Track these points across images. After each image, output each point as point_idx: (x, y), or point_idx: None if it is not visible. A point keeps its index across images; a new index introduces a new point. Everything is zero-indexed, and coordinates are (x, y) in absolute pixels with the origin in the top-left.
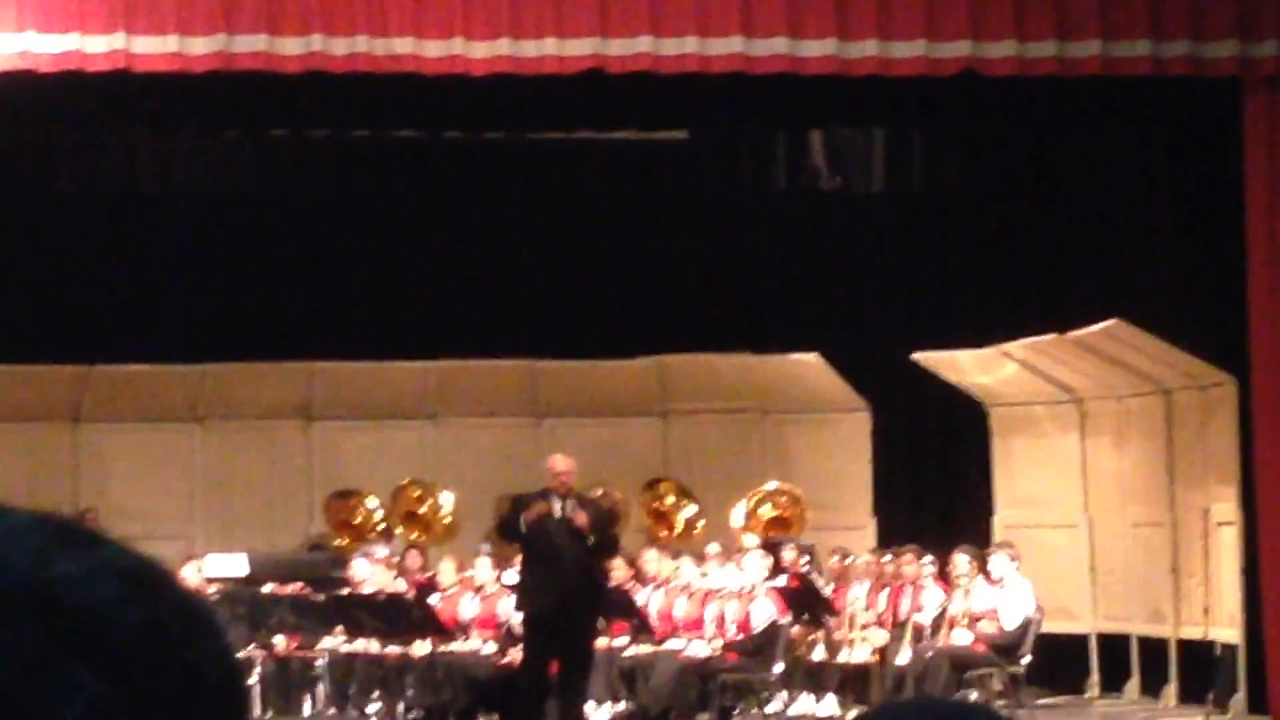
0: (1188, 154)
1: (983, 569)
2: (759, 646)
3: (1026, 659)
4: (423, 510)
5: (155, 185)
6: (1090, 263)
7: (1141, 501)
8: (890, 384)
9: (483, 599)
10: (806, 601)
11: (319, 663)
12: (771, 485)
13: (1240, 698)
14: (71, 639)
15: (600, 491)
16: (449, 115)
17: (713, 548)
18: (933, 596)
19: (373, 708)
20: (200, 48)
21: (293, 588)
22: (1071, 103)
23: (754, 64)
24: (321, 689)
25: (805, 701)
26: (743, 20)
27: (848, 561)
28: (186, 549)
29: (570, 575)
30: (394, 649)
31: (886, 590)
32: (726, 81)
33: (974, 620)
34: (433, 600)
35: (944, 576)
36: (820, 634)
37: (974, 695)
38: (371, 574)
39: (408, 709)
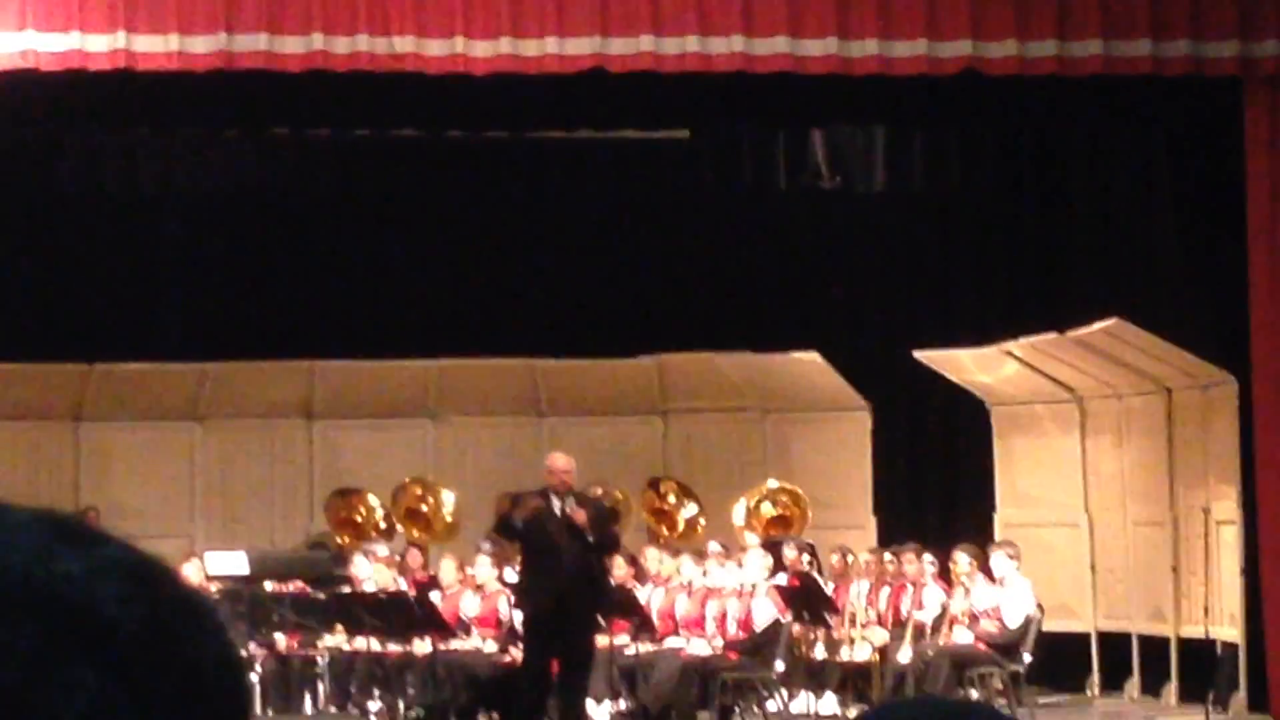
0: (1189, 153)
1: (983, 568)
2: (759, 645)
3: (1027, 658)
4: (424, 508)
5: (156, 184)
6: (1091, 262)
7: (1142, 500)
8: (891, 383)
9: (484, 597)
10: (807, 600)
11: (320, 661)
12: (772, 484)
13: (1241, 696)
14: (73, 637)
15: (600, 490)
16: (450, 114)
17: (713, 546)
18: (933, 595)
19: (374, 706)
20: (201, 47)
21: (293, 586)
22: (1072, 102)
23: (755, 63)
24: (322, 687)
25: (806, 700)
26: (744, 20)
27: (849, 560)
28: (187, 547)
29: (569, 574)
30: (395, 647)
31: (887, 589)
32: (727, 81)
33: (974, 619)
34: (434, 598)
35: (945, 575)
36: (821, 633)
37: (975, 694)
38: (372, 572)
39: (408, 707)
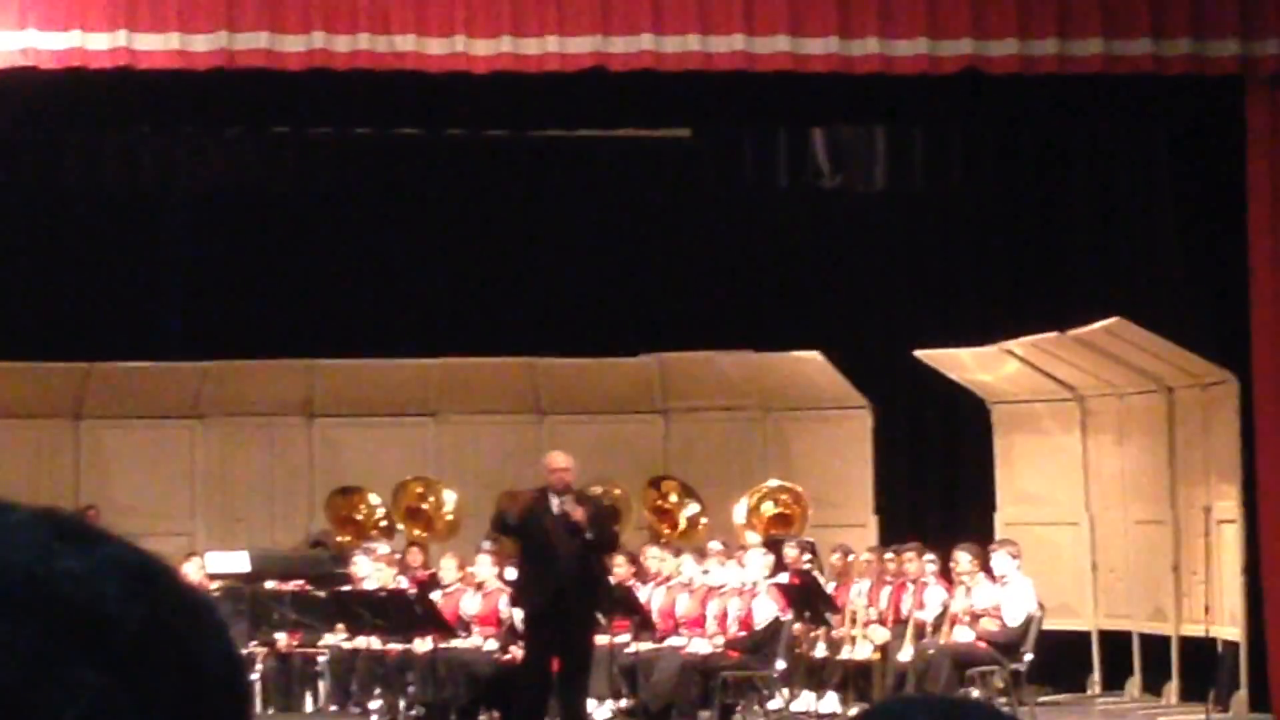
0: (1190, 152)
1: (984, 566)
2: (760, 644)
3: (1028, 656)
4: (424, 507)
5: (157, 182)
6: (1092, 260)
7: (1143, 499)
8: (892, 382)
9: (484, 596)
10: (808, 599)
11: (321, 659)
12: (773, 483)
13: (1242, 695)
14: (74, 636)
15: (600, 489)
16: (451, 113)
17: (714, 545)
18: (934, 594)
19: (374, 704)
20: (202, 45)
21: (294, 584)
22: (1073, 101)
23: (756, 62)
24: (323, 686)
25: (806, 699)
26: (745, 18)
27: (849, 559)
28: (188, 546)
29: (566, 572)
30: (396, 646)
31: (888, 588)
32: (728, 79)
33: (975, 618)
34: (434, 597)
35: (945, 574)
36: (822, 631)
37: (975, 693)
38: (373, 571)
39: (409, 706)
